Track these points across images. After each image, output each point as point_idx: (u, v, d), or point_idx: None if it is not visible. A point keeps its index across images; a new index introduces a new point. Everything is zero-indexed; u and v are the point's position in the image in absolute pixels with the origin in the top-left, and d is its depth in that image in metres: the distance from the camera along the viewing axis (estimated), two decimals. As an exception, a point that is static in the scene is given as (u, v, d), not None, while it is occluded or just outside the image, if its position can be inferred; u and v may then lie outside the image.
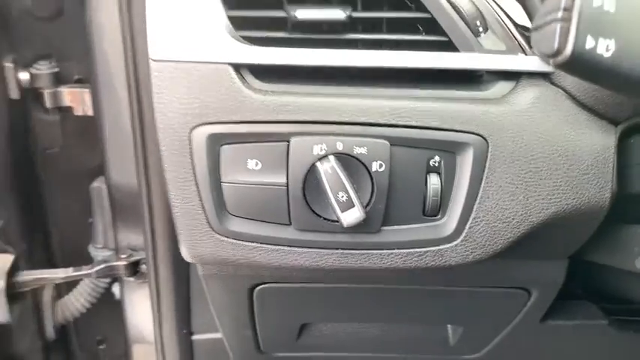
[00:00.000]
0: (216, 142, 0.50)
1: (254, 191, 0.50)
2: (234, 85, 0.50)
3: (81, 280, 0.98)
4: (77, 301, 1.01)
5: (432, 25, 0.52)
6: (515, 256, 0.58)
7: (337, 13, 0.52)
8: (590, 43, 0.31)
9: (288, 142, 0.50)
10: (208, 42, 0.50)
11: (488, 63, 0.52)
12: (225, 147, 0.50)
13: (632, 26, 0.31)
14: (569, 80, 0.51)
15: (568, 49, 0.31)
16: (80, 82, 0.90)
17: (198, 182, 0.50)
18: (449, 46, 0.52)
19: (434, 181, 0.51)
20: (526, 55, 0.52)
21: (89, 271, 0.89)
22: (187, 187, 0.50)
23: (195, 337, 0.87)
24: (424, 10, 0.52)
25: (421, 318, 0.74)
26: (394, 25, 0.54)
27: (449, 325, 0.76)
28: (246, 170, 0.50)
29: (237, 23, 0.52)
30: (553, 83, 0.51)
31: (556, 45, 0.32)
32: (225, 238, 0.52)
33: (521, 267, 0.64)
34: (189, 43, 0.50)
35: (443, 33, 0.52)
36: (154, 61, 0.50)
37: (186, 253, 0.54)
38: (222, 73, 0.50)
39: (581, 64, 0.31)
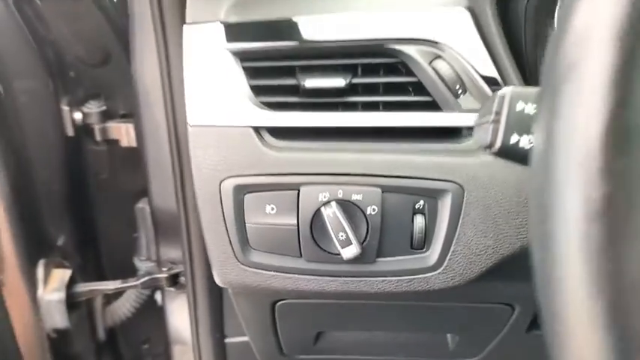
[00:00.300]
0: (240, 191, 0.61)
1: (271, 230, 0.61)
2: (254, 144, 0.61)
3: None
4: (124, 307, 1.14)
5: (419, 88, 0.62)
6: (496, 278, 0.68)
7: (338, 82, 0.62)
8: (514, 138, 0.41)
9: (298, 190, 0.60)
10: (234, 109, 0.61)
11: (466, 120, 0.61)
12: (248, 195, 0.61)
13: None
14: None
15: (497, 144, 0.41)
16: (125, 116, 1.03)
17: (226, 223, 0.62)
18: (433, 106, 0.62)
19: (419, 221, 0.61)
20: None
21: (135, 283, 1.01)
22: (218, 227, 0.62)
23: (227, 340, 0.98)
24: (413, 75, 0.62)
25: (421, 328, 0.84)
26: (388, 87, 0.64)
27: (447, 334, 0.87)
28: (265, 214, 0.61)
29: (258, 90, 0.63)
30: (520, 137, 0.61)
31: (489, 140, 0.42)
32: (249, 268, 0.63)
33: (504, 286, 0.73)
34: (219, 111, 0.61)
35: (428, 94, 0.62)
36: (191, 126, 0.62)
37: (218, 279, 0.65)
38: (245, 134, 0.61)
39: (508, 155, 0.41)
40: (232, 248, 0.62)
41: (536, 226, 0.29)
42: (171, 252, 1.01)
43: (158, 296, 1.14)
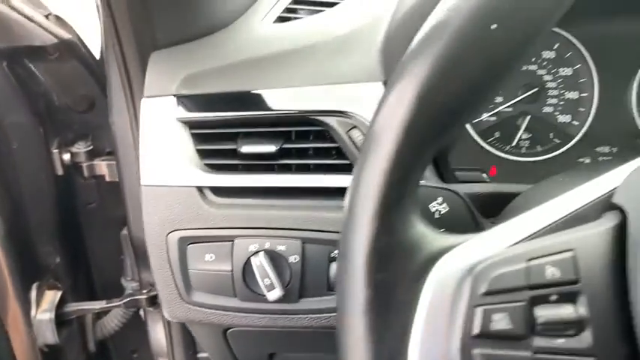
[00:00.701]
0: (184, 242, 0.72)
1: (210, 275, 0.72)
2: (197, 202, 0.72)
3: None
4: (112, 322, 1.25)
5: (341, 152, 0.73)
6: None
7: (270, 148, 0.73)
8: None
9: (233, 242, 0.72)
10: (181, 171, 0.73)
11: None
12: (190, 245, 0.72)
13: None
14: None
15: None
16: (110, 153, 1.15)
17: (172, 269, 0.73)
18: (352, 168, 0.73)
19: (334, 267, 0.72)
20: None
21: (118, 303, 1.13)
22: (166, 272, 0.74)
23: (199, 354, 1.10)
24: (335, 141, 0.73)
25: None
26: (318, 151, 0.75)
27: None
28: (205, 261, 0.72)
29: (203, 154, 0.74)
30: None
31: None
32: (192, 306, 0.75)
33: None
34: (168, 172, 0.73)
35: (347, 158, 0.73)
36: (144, 186, 0.73)
37: (166, 314, 0.77)
38: (190, 193, 0.73)
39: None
40: (178, 289, 0.74)
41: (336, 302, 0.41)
42: (151, 275, 1.12)
43: (142, 312, 1.26)
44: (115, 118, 0.95)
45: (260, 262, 0.70)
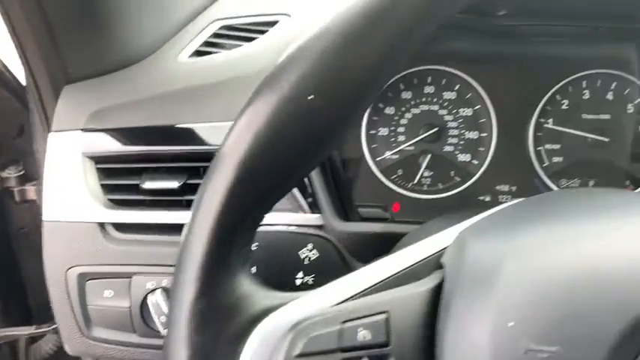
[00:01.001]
0: (83, 278, 0.73)
1: (109, 311, 0.73)
2: (97, 238, 0.73)
3: (48, 331, 1.23)
4: (47, 346, 1.25)
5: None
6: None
7: (172, 184, 0.74)
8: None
9: (131, 278, 0.72)
10: (83, 207, 0.73)
11: (280, 219, 0.73)
12: (89, 281, 0.73)
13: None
14: (336, 232, 0.72)
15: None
16: (41, 178, 1.15)
17: (72, 304, 0.74)
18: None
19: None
20: (305, 213, 0.74)
21: (48, 329, 1.13)
22: (65, 307, 0.74)
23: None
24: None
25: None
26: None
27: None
28: (103, 297, 0.73)
29: (108, 189, 0.75)
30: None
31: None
32: (92, 341, 0.75)
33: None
34: (70, 208, 0.73)
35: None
36: (45, 221, 0.74)
37: (67, 349, 0.77)
38: (91, 228, 0.73)
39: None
40: (77, 324, 0.74)
41: None
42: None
43: (77, 337, 1.26)
44: (39, 146, 0.96)
45: (156, 300, 0.70)
